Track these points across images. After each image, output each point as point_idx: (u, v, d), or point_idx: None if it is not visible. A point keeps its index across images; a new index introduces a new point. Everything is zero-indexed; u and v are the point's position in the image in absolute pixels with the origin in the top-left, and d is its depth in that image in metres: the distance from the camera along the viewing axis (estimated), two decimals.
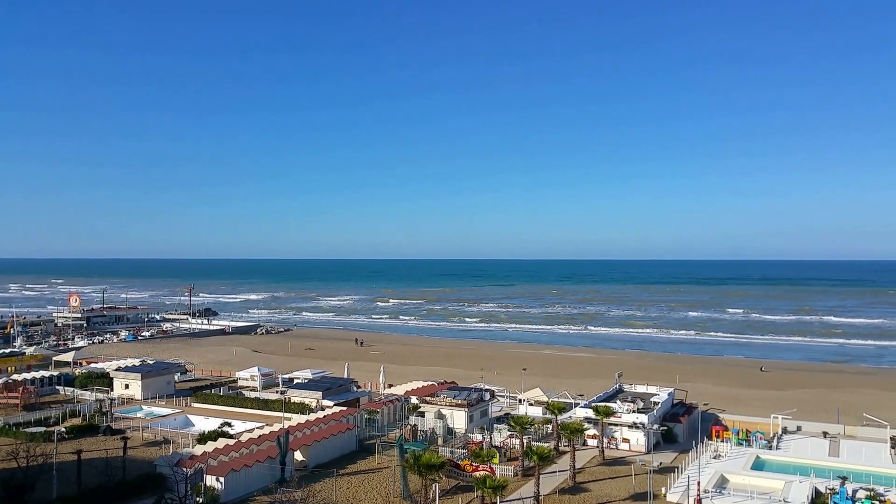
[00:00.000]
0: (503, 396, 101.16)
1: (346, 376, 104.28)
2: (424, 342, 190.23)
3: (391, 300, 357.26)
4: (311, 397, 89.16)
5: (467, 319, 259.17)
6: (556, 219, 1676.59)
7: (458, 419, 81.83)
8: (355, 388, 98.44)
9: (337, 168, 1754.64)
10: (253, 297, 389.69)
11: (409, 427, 77.97)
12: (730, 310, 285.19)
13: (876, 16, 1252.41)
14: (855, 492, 57.34)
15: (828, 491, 58.04)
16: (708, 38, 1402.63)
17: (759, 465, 68.83)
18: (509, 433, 75.62)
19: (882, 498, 55.91)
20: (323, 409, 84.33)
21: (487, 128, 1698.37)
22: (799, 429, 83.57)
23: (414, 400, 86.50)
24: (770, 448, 75.58)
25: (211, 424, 79.98)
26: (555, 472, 65.99)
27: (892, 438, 76.42)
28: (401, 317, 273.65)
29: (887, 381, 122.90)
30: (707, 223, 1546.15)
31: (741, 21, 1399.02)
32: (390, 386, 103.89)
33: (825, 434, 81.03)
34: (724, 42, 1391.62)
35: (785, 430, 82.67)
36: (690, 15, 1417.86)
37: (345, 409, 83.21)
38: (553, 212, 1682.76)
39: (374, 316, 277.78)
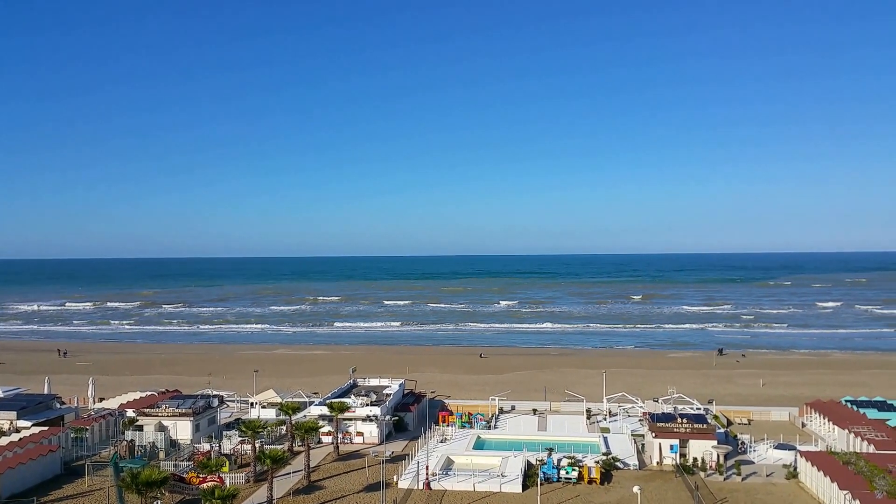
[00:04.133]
0: (233, 401, 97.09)
1: (46, 392, 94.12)
2: (141, 349, 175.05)
3: (94, 303, 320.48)
4: (2, 419, 77.72)
5: (190, 322, 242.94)
6: (286, 216, 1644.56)
7: (182, 430, 76.82)
8: (59, 405, 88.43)
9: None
10: None
11: (124, 443, 71.81)
12: (449, 304, 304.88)
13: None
14: (559, 460, 64.74)
15: (538, 462, 64.79)
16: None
17: (479, 445, 74.55)
18: (240, 439, 72.79)
19: (581, 463, 63.94)
20: (18, 430, 75.46)
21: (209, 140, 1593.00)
22: (513, 408, 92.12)
23: (130, 413, 79.74)
24: (489, 428, 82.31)
25: None
26: (289, 473, 65.04)
27: (587, 410, 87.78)
28: (110, 321, 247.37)
29: (582, 360, 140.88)
30: (431, 220, 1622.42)
31: None
32: (101, 399, 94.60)
33: (535, 411, 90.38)
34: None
35: (501, 410, 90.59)
36: None
37: (46, 429, 74.97)
38: (287, 209, 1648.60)
39: (75, 323, 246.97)
